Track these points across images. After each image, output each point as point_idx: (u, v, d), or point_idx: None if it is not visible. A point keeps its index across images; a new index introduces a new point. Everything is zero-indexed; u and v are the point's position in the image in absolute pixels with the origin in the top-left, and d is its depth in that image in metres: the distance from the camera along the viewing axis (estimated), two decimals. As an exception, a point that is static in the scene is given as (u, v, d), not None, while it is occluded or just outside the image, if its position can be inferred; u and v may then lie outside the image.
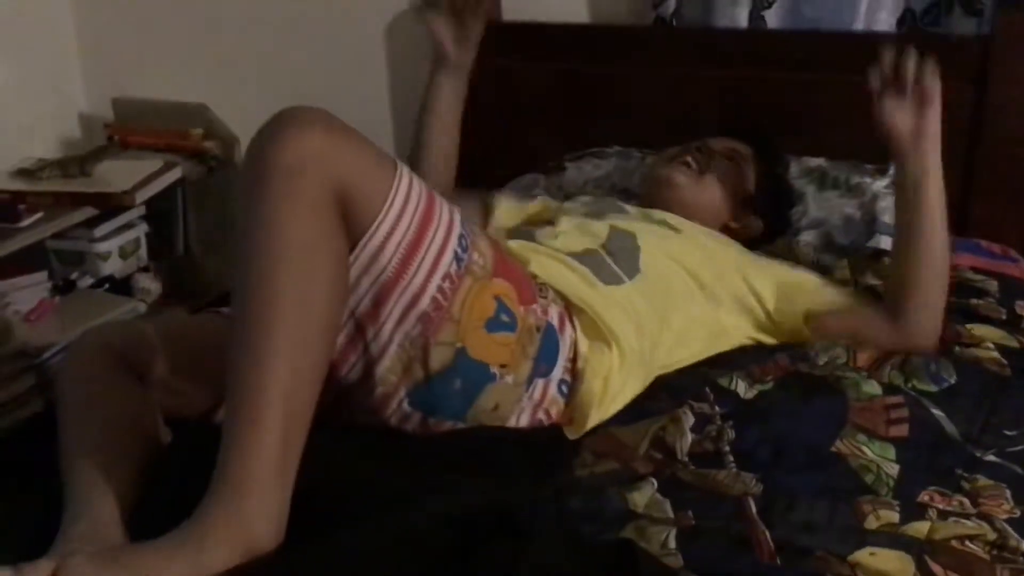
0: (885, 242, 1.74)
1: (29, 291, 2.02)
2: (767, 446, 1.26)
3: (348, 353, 1.17)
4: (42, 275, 2.06)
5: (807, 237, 1.76)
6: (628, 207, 1.64)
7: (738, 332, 1.52)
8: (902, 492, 1.17)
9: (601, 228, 1.51)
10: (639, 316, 1.40)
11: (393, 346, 1.17)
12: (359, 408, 1.22)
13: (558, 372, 1.30)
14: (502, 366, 1.24)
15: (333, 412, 1.19)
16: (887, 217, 1.76)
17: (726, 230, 1.72)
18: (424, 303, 1.16)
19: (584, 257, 1.44)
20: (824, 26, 1.99)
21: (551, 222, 1.55)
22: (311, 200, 1.04)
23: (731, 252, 1.62)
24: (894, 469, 1.21)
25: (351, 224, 1.10)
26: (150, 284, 2.23)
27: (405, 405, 1.21)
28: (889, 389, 1.38)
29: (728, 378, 1.42)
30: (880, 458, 1.23)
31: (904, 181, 1.48)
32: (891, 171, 1.85)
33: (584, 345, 1.33)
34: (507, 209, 1.74)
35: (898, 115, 1.45)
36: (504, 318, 1.23)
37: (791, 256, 1.72)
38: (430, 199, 1.18)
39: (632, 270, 1.45)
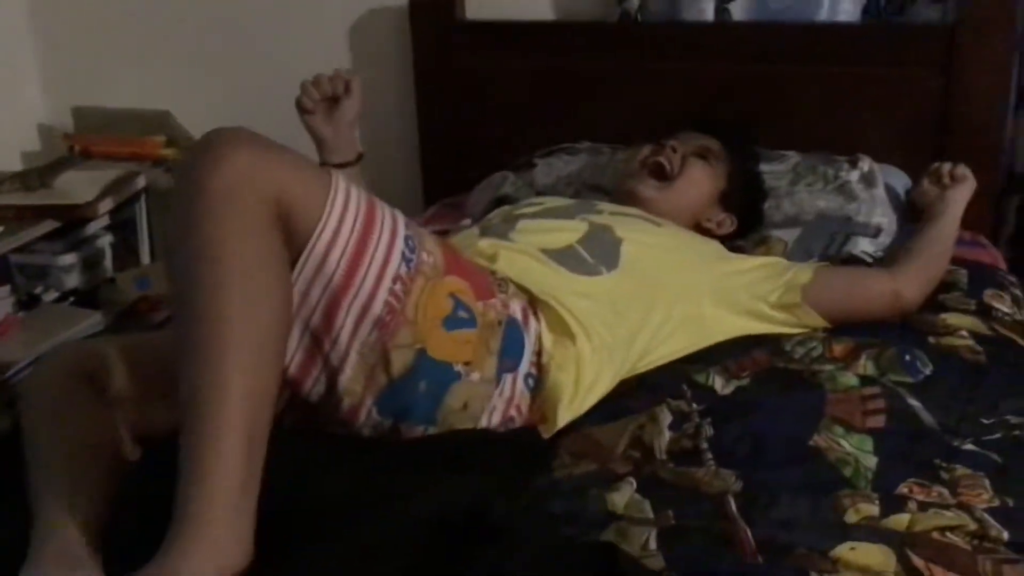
0: (862, 244, 1.74)
1: (-9, 306, 1.98)
2: (746, 442, 1.25)
3: (309, 368, 1.15)
4: (5, 290, 2.02)
5: (780, 234, 1.76)
6: (602, 204, 1.63)
7: (721, 325, 1.51)
8: (881, 484, 1.16)
9: (578, 225, 1.50)
10: (615, 308, 1.39)
11: (352, 355, 1.15)
12: (330, 421, 1.20)
13: (524, 366, 1.29)
14: (466, 364, 1.23)
15: (303, 424, 1.17)
16: (862, 216, 1.77)
17: (699, 229, 1.71)
18: (377, 308, 1.14)
19: (557, 252, 1.43)
20: (789, 17, 1.99)
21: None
22: (248, 220, 1.03)
23: (711, 246, 1.63)
24: (872, 461, 1.21)
25: (293, 236, 1.09)
26: (116, 296, 2.19)
27: (374, 414, 1.19)
28: (865, 380, 1.37)
29: (704, 374, 1.41)
30: (858, 450, 1.23)
31: (932, 228, 1.70)
32: (860, 163, 1.85)
33: (548, 340, 1.32)
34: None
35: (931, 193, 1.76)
36: (462, 314, 1.22)
37: (761, 249, 1.72)
38: (370, 203, 1.17)
39: (611, 263, 1.44)
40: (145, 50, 2.40)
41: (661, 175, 1.68)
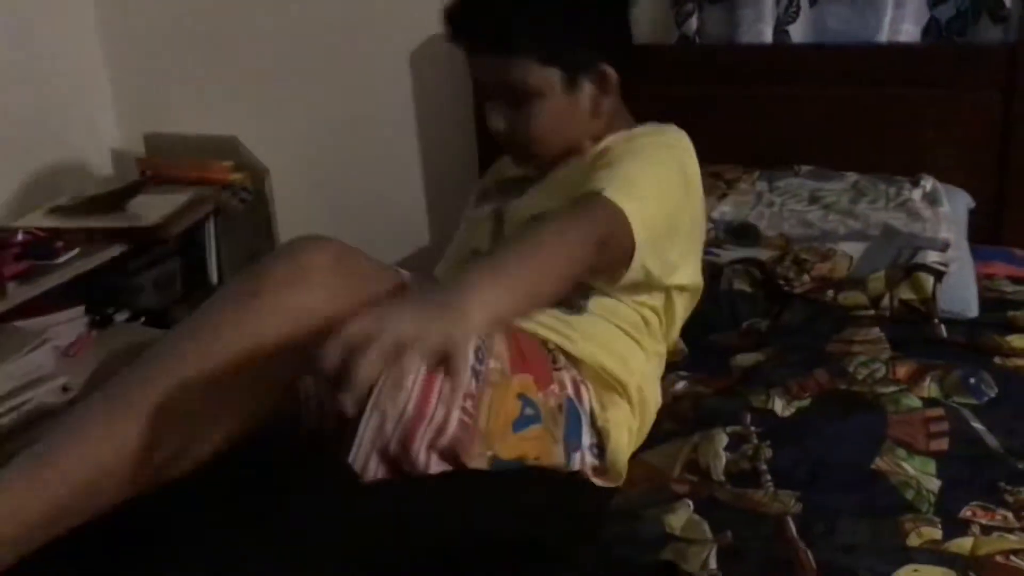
0: (931, 257, 1.67)
1: (68, 326, 2.03)
2: (805, 464, 1.25)
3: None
4: (79, 310, 2.08)
5: (845, 247, 1.73)
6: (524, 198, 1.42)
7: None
8: (944, 508, 1.16)
9: None
10: (628, 319, 1.34)
11: (430, 471, 1.14)
12: None
13: (586, 439, 1.26)
14: (536, 458, 1.20)
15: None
16: (928, 232, 1.73)
17: (597, 117, 1.39)
18: (451, 429, 1.12)
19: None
20: (848, 39, 1.99)
21: None
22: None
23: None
24: (935, 484, 1.20)
25: None
26: (185, 315, 2.25)
27: None
28: (929, 403, 1.36)
29: (764, 396, 1.41)
30: (920, 473, 1.22)
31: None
32: (923, 182, 1.84)
33: (597, 406, 1.28)
34: None
35: None
36: (528, 412, 1.19)
37: (826, 266, 1.70)
38: None
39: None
40: (213, 79, 2.47)
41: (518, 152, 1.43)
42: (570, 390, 1.27)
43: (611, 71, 1.35)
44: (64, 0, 2.38)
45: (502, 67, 1.33)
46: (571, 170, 1.37)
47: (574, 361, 1.30)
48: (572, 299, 1.31)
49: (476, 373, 1.16)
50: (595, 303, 1.33)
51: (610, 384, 1.31)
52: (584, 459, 1.26)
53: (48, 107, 2.31)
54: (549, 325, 1.30)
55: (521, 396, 1.20)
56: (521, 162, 1.43)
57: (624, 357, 1.33)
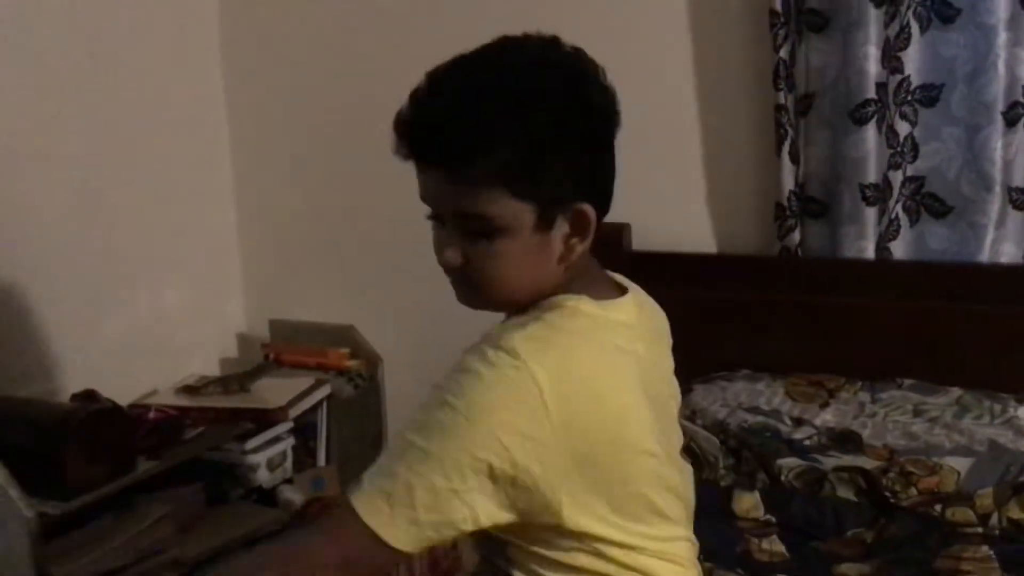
0: None
1: (185, 501, 2.12)
2: None
3: None
4: (198, 486, 2.17)
5: (952, 462, 1.74)
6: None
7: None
8: None
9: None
10: None
11: None
12: None
13: None
14: None
15: None
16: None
17: (564, 262, 1.11)
18: None
19: None
20: (950, 257, 2.04)
21: None
22: None
23: None
24: None
25: None
26: (293, 496, 2.33)
27: None
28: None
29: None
30: None
31: None
32: (1029, 400, 1.84)
33: None
34: None
35: None
36: None
37: (932, 480, 1.70)
38: None
39: None
40: (334, 271, 2.64)
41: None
42: None
43: (590, 210, 1.09)
44: (211, 205, 2.62)
45: (466, 195, 1.05)
46: None
47: None
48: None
49: None
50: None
51: None
52: None
53: (184, 294, 2.49)
54: None
55: None
56: (469, 304, 1.18)
57: None
